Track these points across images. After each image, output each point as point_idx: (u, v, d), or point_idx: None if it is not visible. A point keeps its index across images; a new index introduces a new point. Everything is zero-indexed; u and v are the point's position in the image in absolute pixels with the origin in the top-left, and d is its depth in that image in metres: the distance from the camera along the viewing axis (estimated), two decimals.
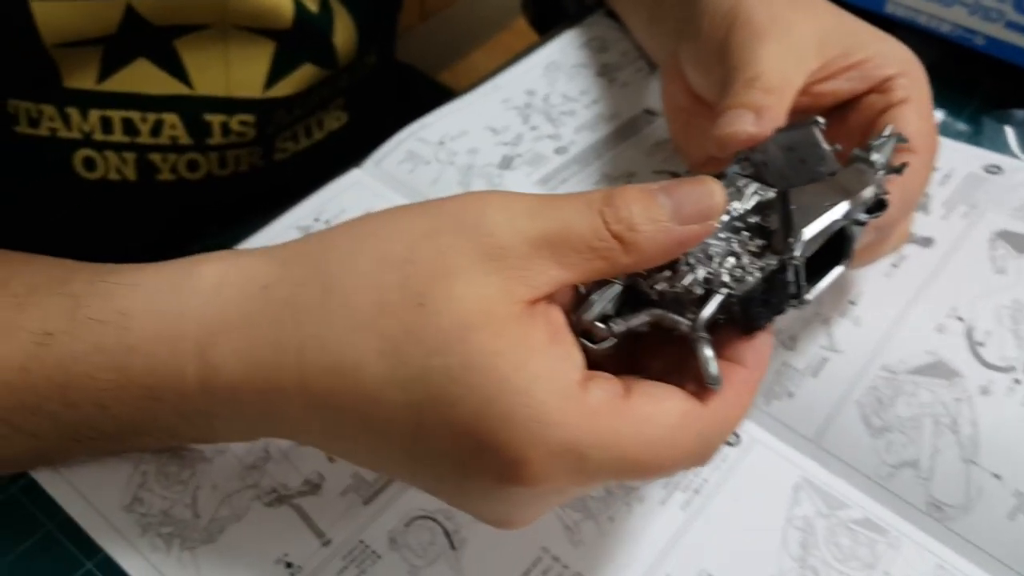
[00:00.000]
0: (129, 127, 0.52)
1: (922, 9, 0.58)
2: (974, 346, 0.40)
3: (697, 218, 0.28)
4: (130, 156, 0.53)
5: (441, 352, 0.27)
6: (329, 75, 0.58)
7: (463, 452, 0.27)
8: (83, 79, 0.50)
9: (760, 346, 0.30)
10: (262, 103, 0.55)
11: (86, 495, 0.37)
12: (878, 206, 0.33)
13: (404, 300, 0.28)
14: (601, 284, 0.30)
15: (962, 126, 0.54)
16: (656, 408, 0.28)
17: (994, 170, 0.48)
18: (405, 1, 0.71)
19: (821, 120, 0.34)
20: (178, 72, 0.52)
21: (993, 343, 0.40)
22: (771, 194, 0.32)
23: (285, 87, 0.55)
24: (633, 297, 0.30)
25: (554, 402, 0.26)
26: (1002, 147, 0.52)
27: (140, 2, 0.48)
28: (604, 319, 0.29)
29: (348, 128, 0.63)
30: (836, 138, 0.36)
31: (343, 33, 0.57)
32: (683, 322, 0.29)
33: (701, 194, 0.28)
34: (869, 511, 0.37)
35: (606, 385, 0.28)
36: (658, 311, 0.30)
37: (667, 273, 0.30)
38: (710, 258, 0.30)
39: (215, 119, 0.54)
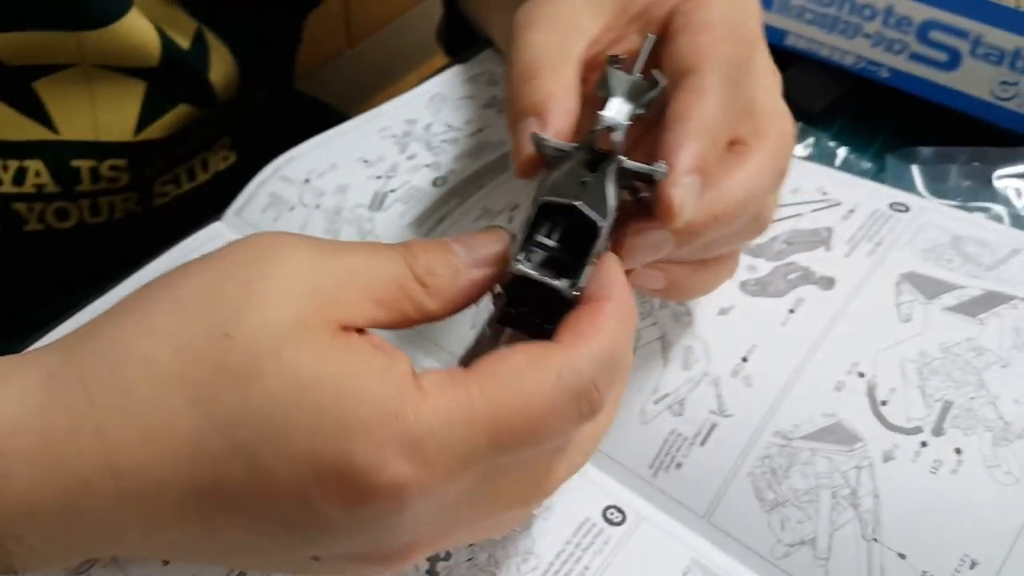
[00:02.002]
0: None
1: (824, 41, 0.55)
2: (877, 406, 0.36)
3: (489, 263, 0.28)
4: None
5: (258, 377, 0.24)
6: (208, 114, 0.54)
7: (309, 482, 0.24)
8: None
9: (605, 273, 0.28)
10: (134, 146, 0.51)
11: None
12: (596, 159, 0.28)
13: (207, 337, 0.25)
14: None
15: (867, 164, 0.51)
16: (497, 362, 0.25)
17: (900, 208, 0.44)
18: (331, 26, 0.67)
19: None
20: (40, 116, 0.48)
21: (898, 401, 0.36)
22: None
23: (159, 129, 0.51)
24: None
25: (390, 394, 0.24)
26: (908, 187, 0.48)
27: None
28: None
29: (237, 168, 0.58)
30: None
31: (221, 69, 0.52)
32: None
33: (489, 242, 0.28)
34: None
35: (441, 371, 0.25)
36: None
37: None
38: None
39: (83, 164, 0.50)
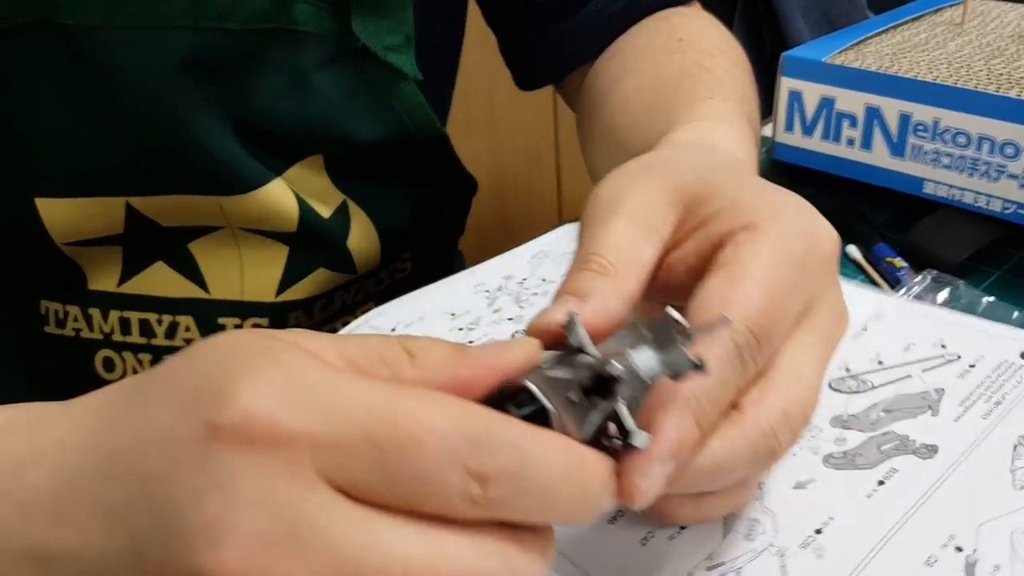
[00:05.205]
0: (145, 328, 0.52)
1: (966, 186, 0.50)
2: None
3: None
4: (146, 357, 0.53)
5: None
6: (350, 279, 0.56)
7: None
8: (105, 281, 0.51)
9: None
10: (276, 306, 0.53)
11: None
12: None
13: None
14: None
15: (1016, 312, 0.44)
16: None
17: None
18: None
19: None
20: (194, 276, 0.52)
21: None
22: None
23: (299, 291, 0.54)
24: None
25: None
26: None
27: (139, 201, 0.48)
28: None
29: None
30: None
31: (361, 240, 0.55)
32: None
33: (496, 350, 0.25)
34: None
35: None
36: None
37: None
38: None
39: (229, 322, 0.53)
